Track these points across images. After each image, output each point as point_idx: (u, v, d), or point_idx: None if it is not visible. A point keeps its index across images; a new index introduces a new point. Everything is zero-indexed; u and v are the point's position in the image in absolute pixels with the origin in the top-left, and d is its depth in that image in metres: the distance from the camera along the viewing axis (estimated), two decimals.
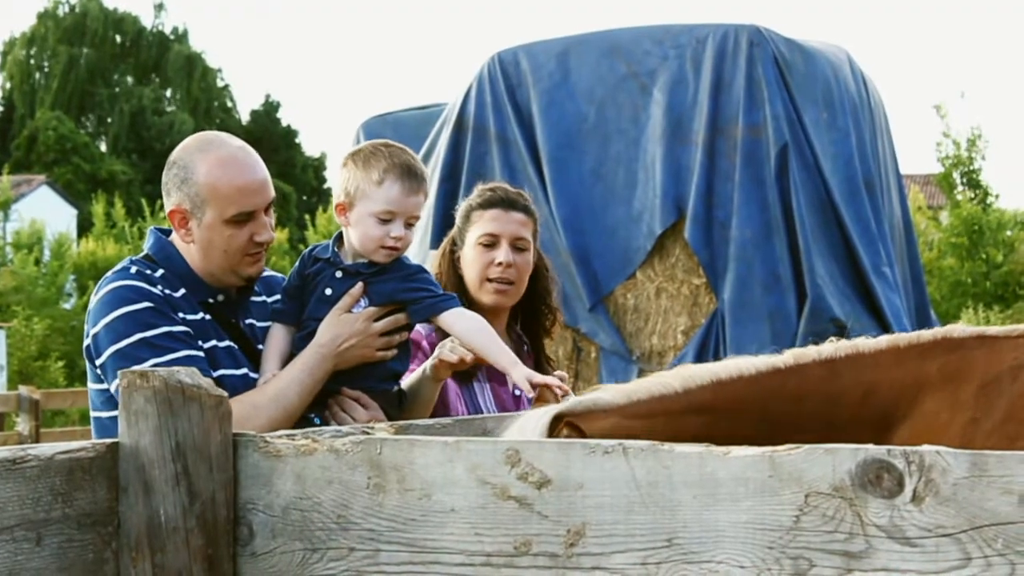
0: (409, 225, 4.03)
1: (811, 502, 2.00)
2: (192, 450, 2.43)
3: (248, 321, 4.13)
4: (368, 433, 2.68)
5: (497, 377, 4.65)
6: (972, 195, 30.13)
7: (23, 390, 16.07)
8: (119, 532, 2.45)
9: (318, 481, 2.41)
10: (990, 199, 30.39)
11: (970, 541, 1.90)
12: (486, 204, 4.77)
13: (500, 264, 4.68)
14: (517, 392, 4.64)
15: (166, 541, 2.41)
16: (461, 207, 4.89)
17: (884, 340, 3.37)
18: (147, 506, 2.42)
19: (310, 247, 4.20)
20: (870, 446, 1.97)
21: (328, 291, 4.04)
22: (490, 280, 4.69)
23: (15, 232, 38.45)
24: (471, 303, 4.72)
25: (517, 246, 4.73)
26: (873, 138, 10.93)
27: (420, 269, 4.15)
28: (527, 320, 4.92)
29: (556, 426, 3.28)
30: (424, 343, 4.57)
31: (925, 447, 1.94)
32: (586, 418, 3.30)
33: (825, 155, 10.17)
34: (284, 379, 3.92)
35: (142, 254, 4.10)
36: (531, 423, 3.30)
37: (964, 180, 30.39)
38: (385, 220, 3.99)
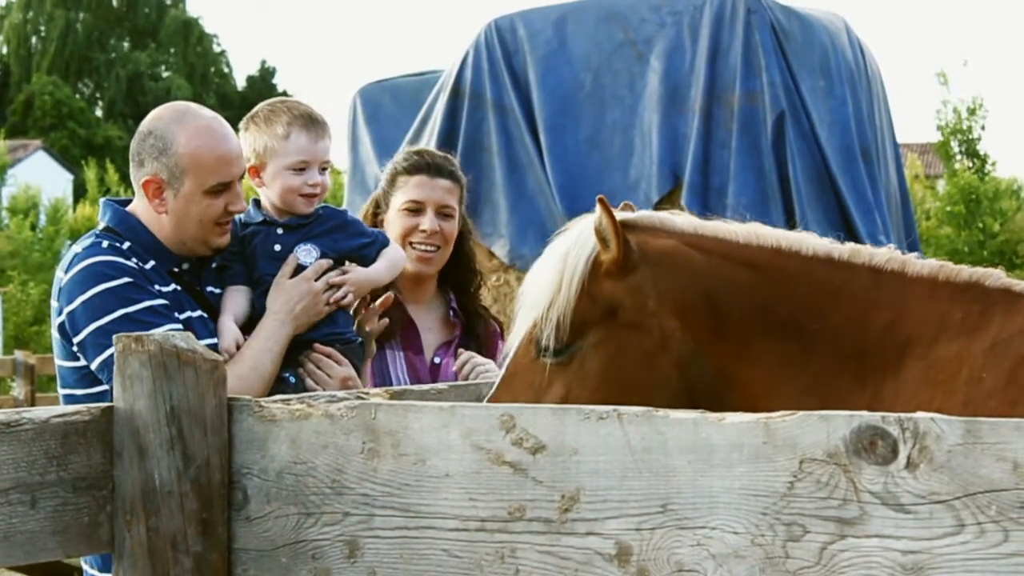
0: (323, 170, 4.21)
1: (805, 468, 2.00)
2: (187, 414, 2.43)
3: (209, 289, 4.16)
4: (363, 398, 2.68)
5: (412, 346, 4.65)
6: (970, 164, 30.14)
7: (19, 355, 16.08)
8: (114, 495, 2.45)
9: (313, 446, 2.41)
10: (988, 168, 30.41)
11: (964, 508, 1.90)
12: (412, 169, 4.74)
13: (424, 231, 4.66)
14: (437, 359, 4.65)
15: (160, 505, 2.41)
16: (387, 170, 4.84)
17: (926, 268, 3.43)
18: (142, 470, 2.42)
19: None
20: (864, 413, 1.97)
21: (277, 247, 4.19)
22: (413, 246, 4.67)
23: (11, 197, 38.43)
24: None
25: (442, 213, 4.71)
26: (870, 106, 10.89)
27: (352, 217, 4.39)
28: (453, 285, 4.88)
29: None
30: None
31: (919, 414, 1.93)
32: (649, 232, 3.48)
33: (822, 123, 10.13)
34: (255, 349, 4.01)
35: (102, 227, 4.08)
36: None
37: (962, 149, 30.39)
38: (300, 170, 4.17)
